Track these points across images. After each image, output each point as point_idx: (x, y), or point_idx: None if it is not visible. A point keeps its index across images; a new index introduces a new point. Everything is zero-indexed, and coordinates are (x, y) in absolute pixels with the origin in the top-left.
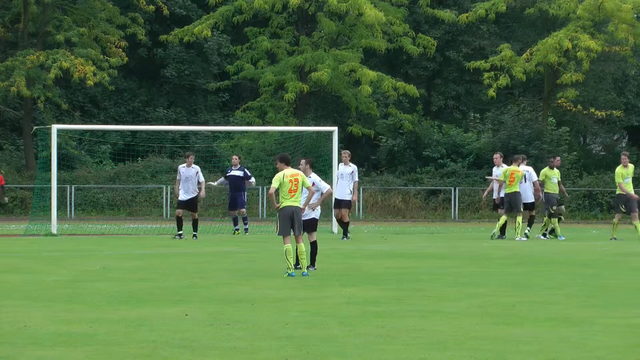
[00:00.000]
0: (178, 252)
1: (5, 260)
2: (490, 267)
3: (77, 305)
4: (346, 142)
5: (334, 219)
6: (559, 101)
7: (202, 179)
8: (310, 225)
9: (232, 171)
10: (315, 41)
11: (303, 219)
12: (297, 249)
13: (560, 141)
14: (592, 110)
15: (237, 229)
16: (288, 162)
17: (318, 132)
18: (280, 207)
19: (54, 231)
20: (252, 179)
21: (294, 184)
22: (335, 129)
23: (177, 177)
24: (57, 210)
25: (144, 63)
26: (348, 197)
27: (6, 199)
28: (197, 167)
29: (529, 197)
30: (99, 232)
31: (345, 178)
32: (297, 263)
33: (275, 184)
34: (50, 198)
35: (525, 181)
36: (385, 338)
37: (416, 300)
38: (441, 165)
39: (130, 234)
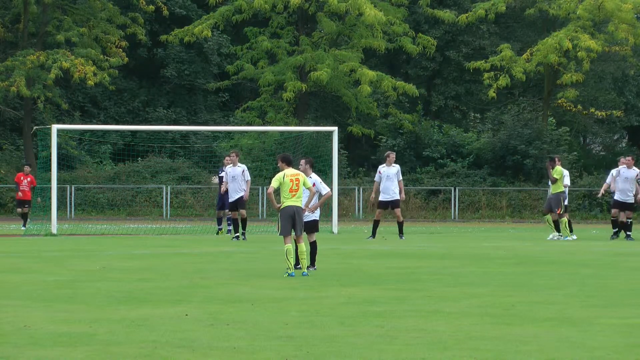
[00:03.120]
0: (178, 252)
1: (5, 260)
2: (490, 267)
3: (77, 305)
4: (346, 142)
5: (335, 219)
6: (559, 101)
7: (248, 177)
8: (311, 227)
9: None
10: (315, 41)
11: (304, 220)
12: (297, 249)
13: (560, 141)
14: (592, 110)
15: (228, 230)
16: (290, 163)
17: (318, 132)
18: (282, 207)
19: (54, 231)
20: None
21: (295, 184)
22: (335, 129)
23: (224, 179)
24: (57, 210)
25: (144, 63)
26: (397, 197)
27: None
28: (243, 166)
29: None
30: (99, 232)
31: (391, 179)
32: (297, 263)
33: (274, 183)
34: (50, 198)
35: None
36: (385, 338)
37: (416, 300)
38: (441, 165)
39: (130, 234)
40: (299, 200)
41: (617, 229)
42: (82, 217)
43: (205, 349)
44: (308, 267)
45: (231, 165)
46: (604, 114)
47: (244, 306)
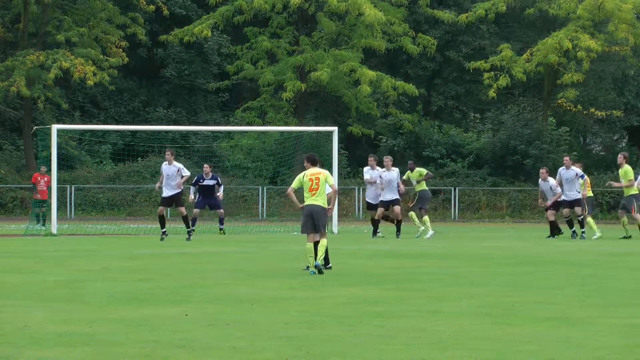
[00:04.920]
0: (178, 252)
1: (5, 260)
2: (490, 267)
3: (77, 305)
4: (346, 142)
5: (335, 219)
6: (559, 101)
7: (187, 173)
8: None
9: (205, 181)
10: (315, 41)
11: None
12: (318, 244)
13: (560, 141)
14: (592, 110)
15: (193, 230)
16: (315, 162)
17: (318, 132)
18: (303, 206)
19: (54, 231)
20: (221, 189)
21: (315, 182)
22: (335, 129)
23: (161, 177)
24: (57, 210)
25: (144, 63)
26: (397, 196)
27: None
28: (179, 165)
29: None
30: (99, 232)
31: (392, 183)
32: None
33: (295, 184)
34: (50, 198)
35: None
36: (385, 338)
37: (416, 300)
38: (441, 165)
39: (130, 234)
40: (320, 198)
41: (574, 228)
42: (82, 217)
43: (205, 349)
44: (325, 266)
45: (166, 163)
46: (603, 114)
47: (244, 306)
